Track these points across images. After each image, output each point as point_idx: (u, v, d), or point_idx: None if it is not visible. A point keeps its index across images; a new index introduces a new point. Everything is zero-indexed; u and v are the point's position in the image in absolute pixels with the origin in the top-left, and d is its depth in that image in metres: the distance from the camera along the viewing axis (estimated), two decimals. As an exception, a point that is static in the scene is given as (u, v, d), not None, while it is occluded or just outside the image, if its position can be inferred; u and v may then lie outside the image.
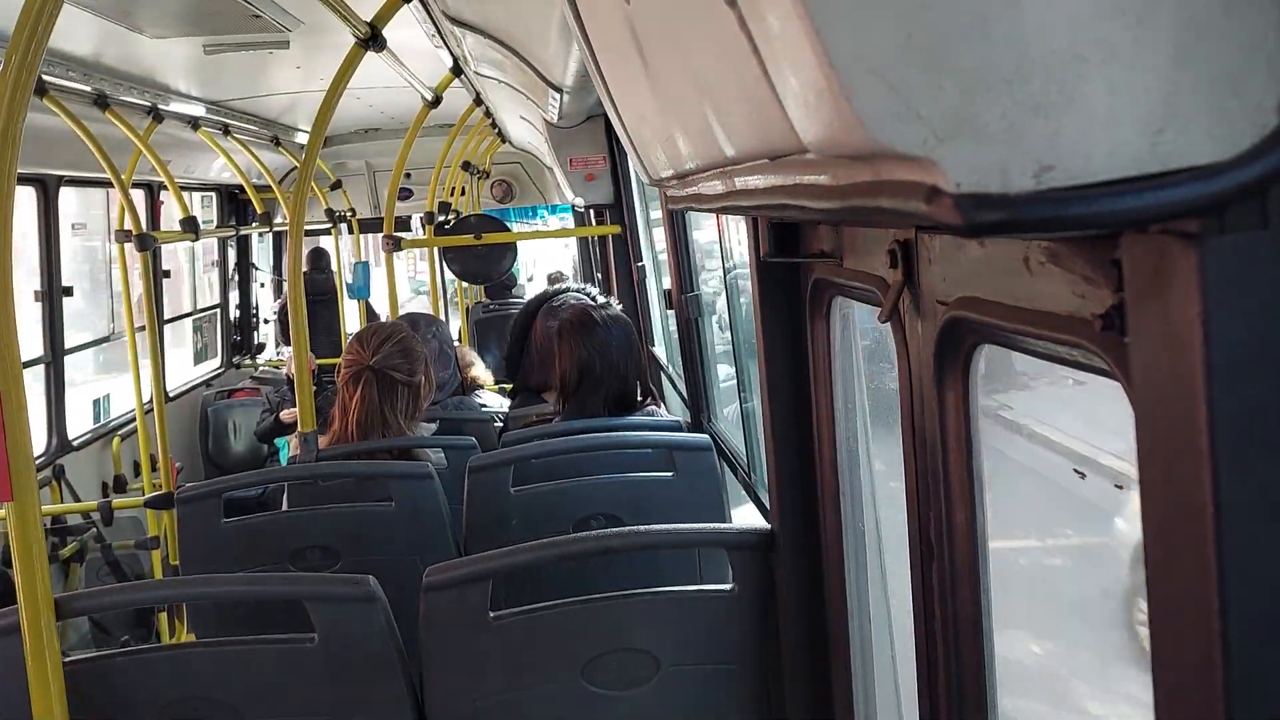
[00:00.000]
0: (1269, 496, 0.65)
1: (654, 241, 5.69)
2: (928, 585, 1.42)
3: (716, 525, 2.36)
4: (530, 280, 13.24)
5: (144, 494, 5.22)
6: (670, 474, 2.89)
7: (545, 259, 16.36)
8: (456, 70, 4.91)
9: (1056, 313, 0.97)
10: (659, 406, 3.63)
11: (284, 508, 3.06)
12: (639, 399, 3.47)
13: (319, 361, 7.86)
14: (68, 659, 1.79)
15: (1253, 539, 0.66)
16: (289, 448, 6.90)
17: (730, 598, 2.01)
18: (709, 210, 1.65)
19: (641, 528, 2.06)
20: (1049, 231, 0.61)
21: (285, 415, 6.90)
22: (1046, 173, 0.59)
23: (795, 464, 1.95)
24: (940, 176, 0.61)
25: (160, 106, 5.31)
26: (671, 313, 4.47)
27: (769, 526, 2.03)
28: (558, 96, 4.37)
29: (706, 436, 3.18)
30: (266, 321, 9.94)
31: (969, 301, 1.19)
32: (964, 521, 1.33)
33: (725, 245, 3.74)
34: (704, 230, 4.27)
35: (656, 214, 5.40)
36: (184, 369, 8.41)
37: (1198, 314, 0.62)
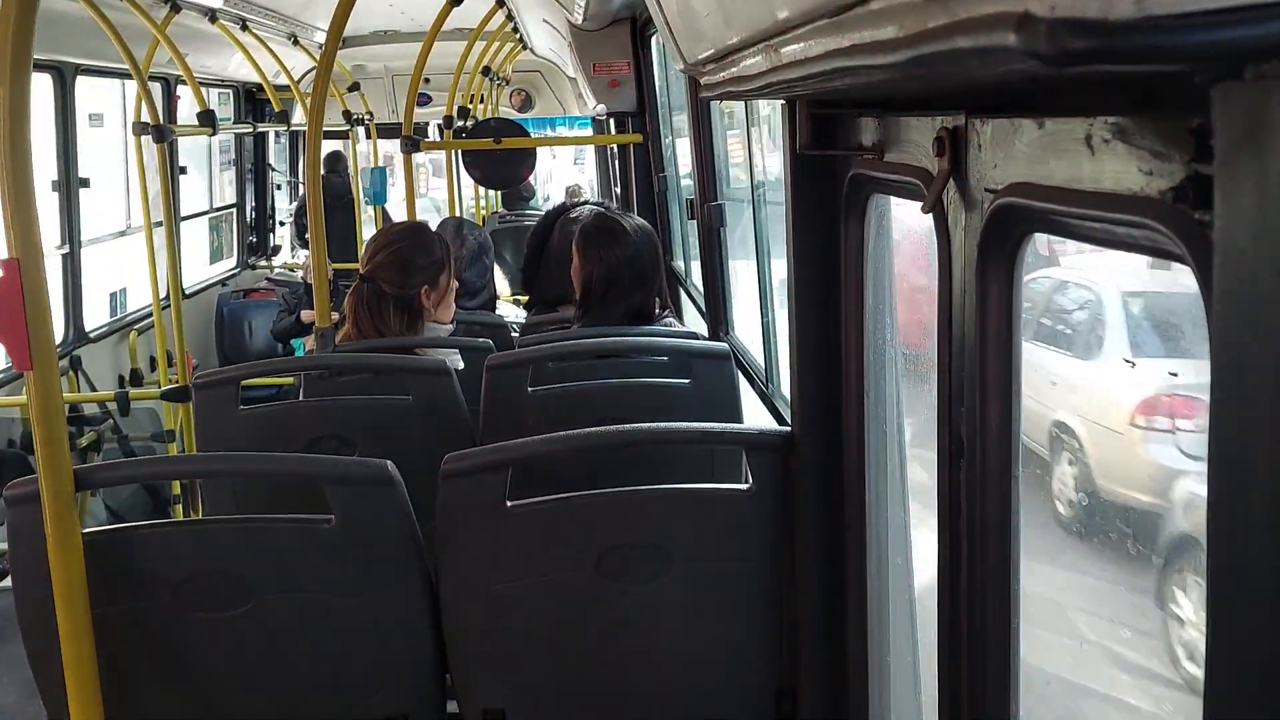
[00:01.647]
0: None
1: (675, 153, 5.60)
2: (954, 484, 1.40)
3: (735, 425, 2.35)
4: (547, 200, 13.11)
5: (160, 388, 5.24)
6: (687, 380, 2.87)
7: (560, 177, 16.07)
8: (481, -34, 4.78)
9: (1120, 192, 0.92)
10: (676, 319, 3.60)
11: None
12: (656, 311, 3.44)
13: (334, 266, 7.84)
14: (86, 531, 1.80)
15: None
16: (304, 348, 6.91)
17: (746, 497, 2.00)
18: (747, 93, 1.59)
19: (663, 425, 2.05)
20: (1147, 63, 0.56)
21: (306, 315, 6.91)
22: (1149, -3, 0.54)
23: (819, 366, 1.92)
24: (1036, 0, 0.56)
25: (178, -4, 5.20)
26: (692, 224, 4.41)
27: (788, 428, 2.01)
28: (585, -5, 4.26)
29: (724, 345, 3.15)
30: (282, 224, 9.89)
31: (1021, 187, 1.15)
32: (998, 419, 1.30)
33: (752, 157, 3.67)
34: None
35: (679, 123, 5.31)
36: (199, 268, 8.39)
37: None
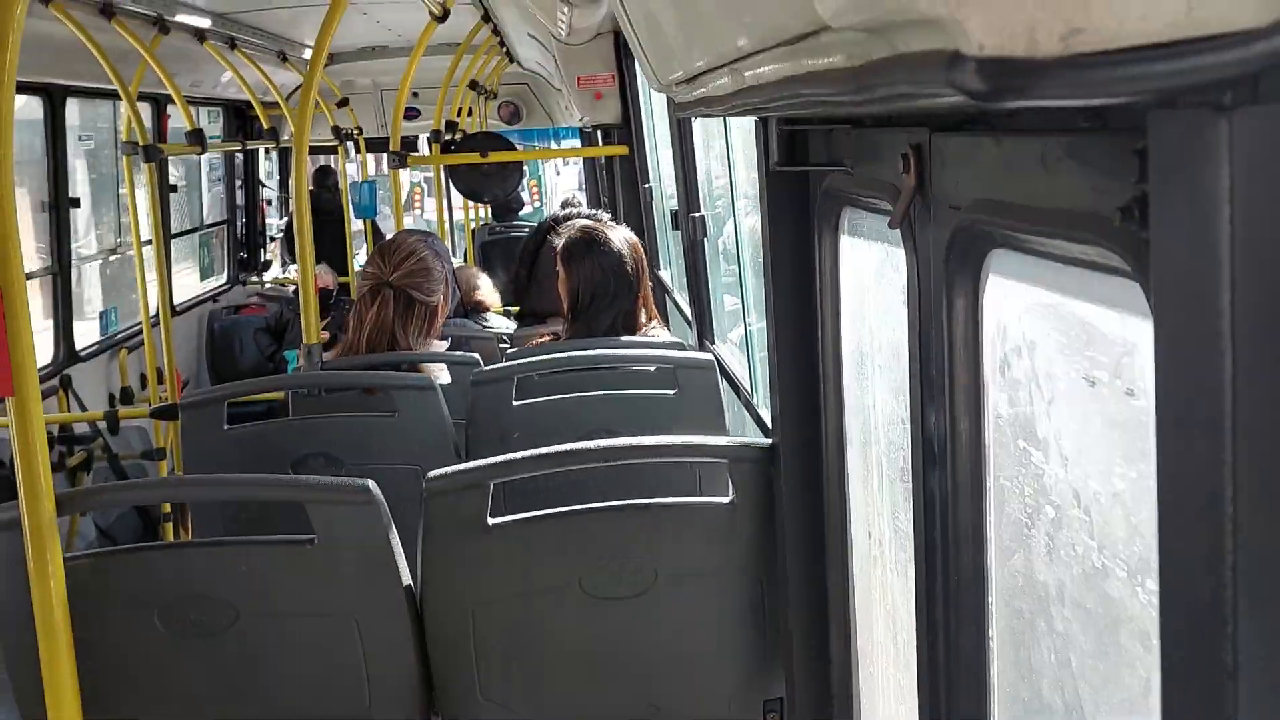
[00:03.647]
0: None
1: (661, 164, 5.62)
2: (928, 493, 1.41)
3: (717, 438, 2.36)
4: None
5: (150, 406, 5.24)
6: (673, 392, 2.89)
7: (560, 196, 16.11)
8: (464, -18, 4.81)
9: (1074, 210, 0.94)
10: (663, 329, 3.61)
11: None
12: (643, 321, 3.45)
13: (341, 279, 7.85)
14: (69, 556, 1.80)
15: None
16: (296, 361, 6.92)
17: (729, 509, 2.02)
18: (718, 113, 1.61)
19: (644, 439, 2.06)
20: (1074, 99, 0.58)
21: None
22: (1075, 35, 0.56)
23: (799, 378, 1.93)
24: (964, 39, 0.58)
25: (166, 17, 5.21)
26: (678, 233, 4.43)
27: (770, 440, 2.02)
28: (567, 10, 4.28)
29: (709, 355, 3.17)
30: (273, 239, 9.90)
31: (983, 204, 1.16)
32: (969, 430, 1.31)
33: (733, 169, 3.69)
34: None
35: (664, 133, 5.34)
36: (190, 285, 8.39)
37: (1226, 189, 0.59)
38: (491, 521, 1.94)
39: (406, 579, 1.95)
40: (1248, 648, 0.66)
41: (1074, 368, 1.04)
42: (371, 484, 1.91)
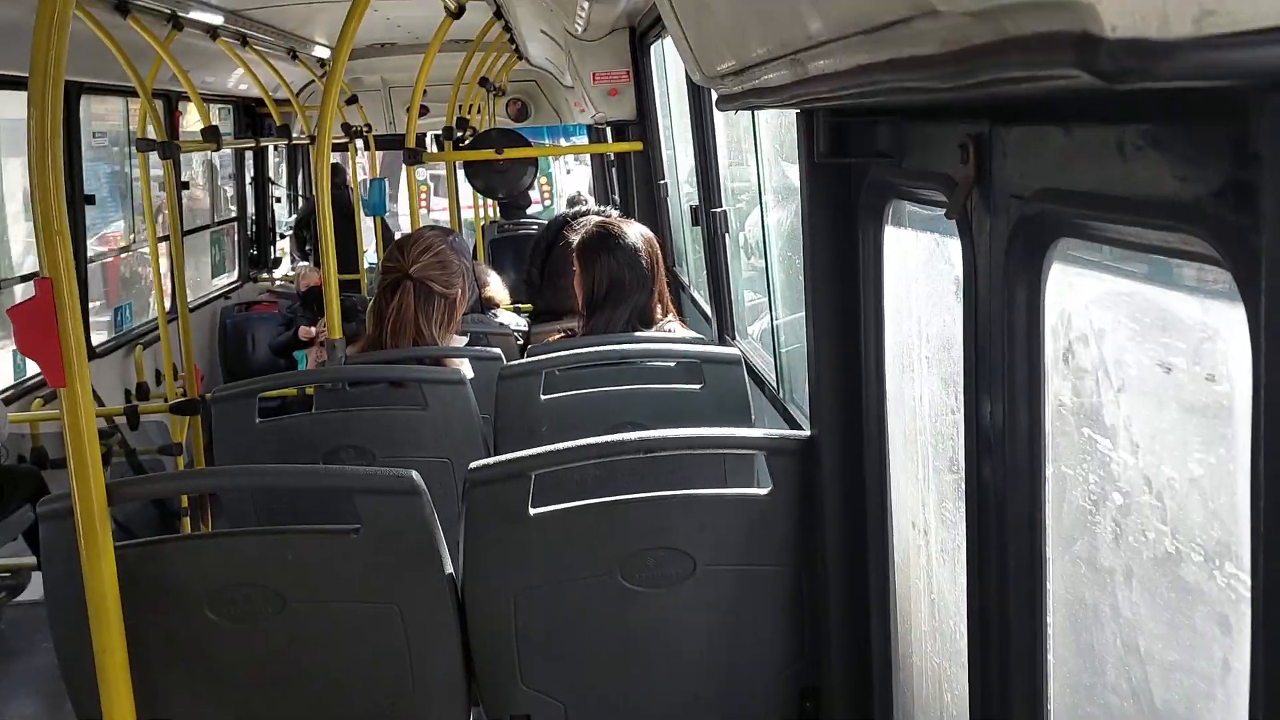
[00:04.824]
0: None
1: (677, 161, 5.63)
2: (982, 484, 1.42)
3: (755, 430, 2.37)
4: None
5: (167, 401, 5.25)
6: (699, 386, 2.90)
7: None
8: (481, -22, 4.81)
9: (1154, 198, 0.95)
10: (679, 324, 3.62)
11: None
12: (659, 316, 3.46)
13: (351, 277, 7.85)
14: (119, 544, 1.81)
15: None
16: (306, 361, 6.92)
17: (767, 500, 2.03)
18: (768, 105, 1.62)
19: (683, 430, 2.07)
20: (1205, 80, 0.59)
21: (303, 332, 6.92)
22: (1208, 18, 0.57)
23: (839, 370, 1.94)
24: (1093, 21, 0.59)
25: (180, 14, 5.23)
26: (695, 230, 4.44)
27: (808, 433, 2.03)
28: (587, 5, 4.29)
29: (736, 350, 3.18)
30: (283, 236, 9.91)
31: (1048, 193, 1.17)
32: (1026, 419, 1.32)
33: (760, 163, 3.70)
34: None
35: (679, 130, 5.34)
36: (200, 282, 8.40)
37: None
38: (533, 512, 1.95)
39: (449, 567, 1.96)
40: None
41: (1147, 354, 1.05)
42: (415, 474, 1.92)
